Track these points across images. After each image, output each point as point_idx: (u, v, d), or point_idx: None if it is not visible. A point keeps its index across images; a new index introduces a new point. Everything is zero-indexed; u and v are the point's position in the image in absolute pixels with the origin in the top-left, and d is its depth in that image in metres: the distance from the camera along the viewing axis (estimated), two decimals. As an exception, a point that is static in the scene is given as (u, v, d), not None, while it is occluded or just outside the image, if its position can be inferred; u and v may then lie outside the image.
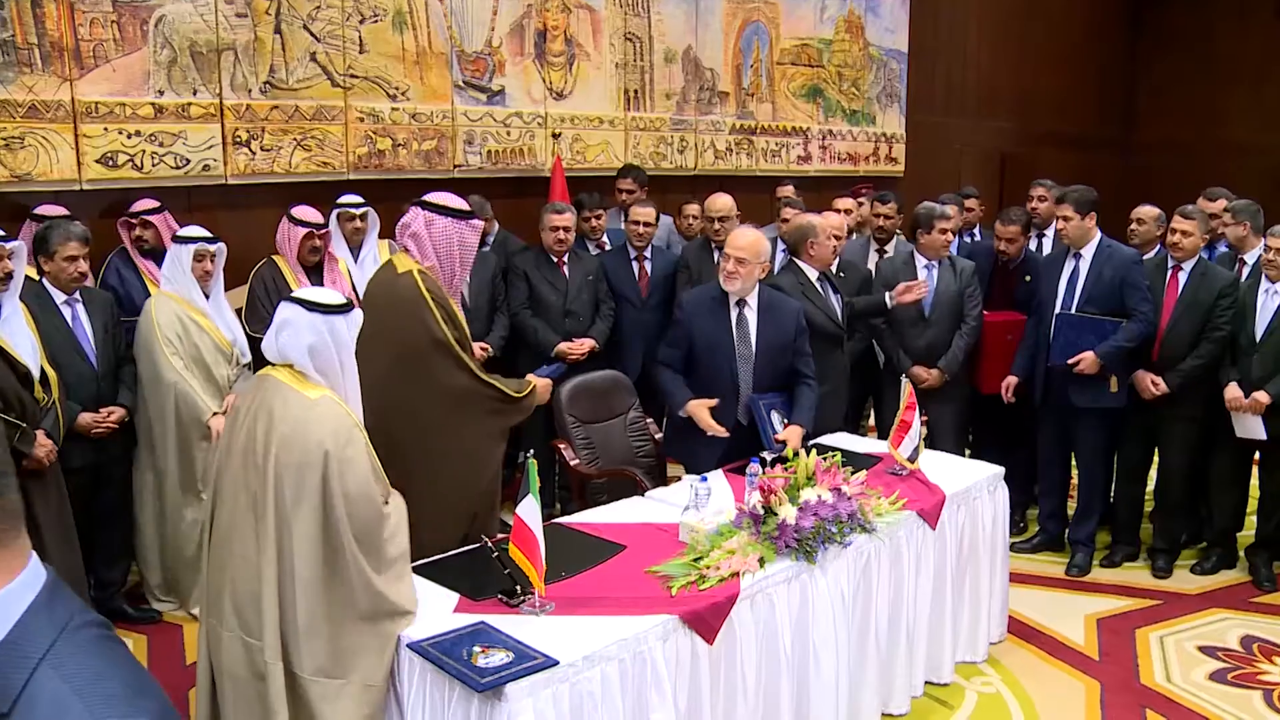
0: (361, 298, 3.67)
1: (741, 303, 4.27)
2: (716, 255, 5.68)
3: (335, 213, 5.18)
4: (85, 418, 4.16)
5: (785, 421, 4.24)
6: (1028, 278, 5.52)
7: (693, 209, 6.48)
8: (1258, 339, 4.81)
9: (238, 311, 4.83)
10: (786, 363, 4.33)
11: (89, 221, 4.53)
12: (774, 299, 4.36)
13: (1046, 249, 6.14)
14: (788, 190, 6.92)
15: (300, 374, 2.85)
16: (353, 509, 2.74)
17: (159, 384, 4.42)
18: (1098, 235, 5.05)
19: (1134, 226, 5.65)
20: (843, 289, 5.08)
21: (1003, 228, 5.68)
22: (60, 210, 4.63)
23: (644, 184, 6.44)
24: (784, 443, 4.05)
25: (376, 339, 3.19)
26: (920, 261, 5.35)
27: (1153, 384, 4.97)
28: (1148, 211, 5.68)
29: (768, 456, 3.74)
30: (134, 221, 4.87)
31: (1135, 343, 4.90)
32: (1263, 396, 4.72)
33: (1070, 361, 4.94)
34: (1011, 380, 5.29)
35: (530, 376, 3.75)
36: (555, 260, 5.56)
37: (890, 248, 6.23)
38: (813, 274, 4.91)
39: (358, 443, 2.81)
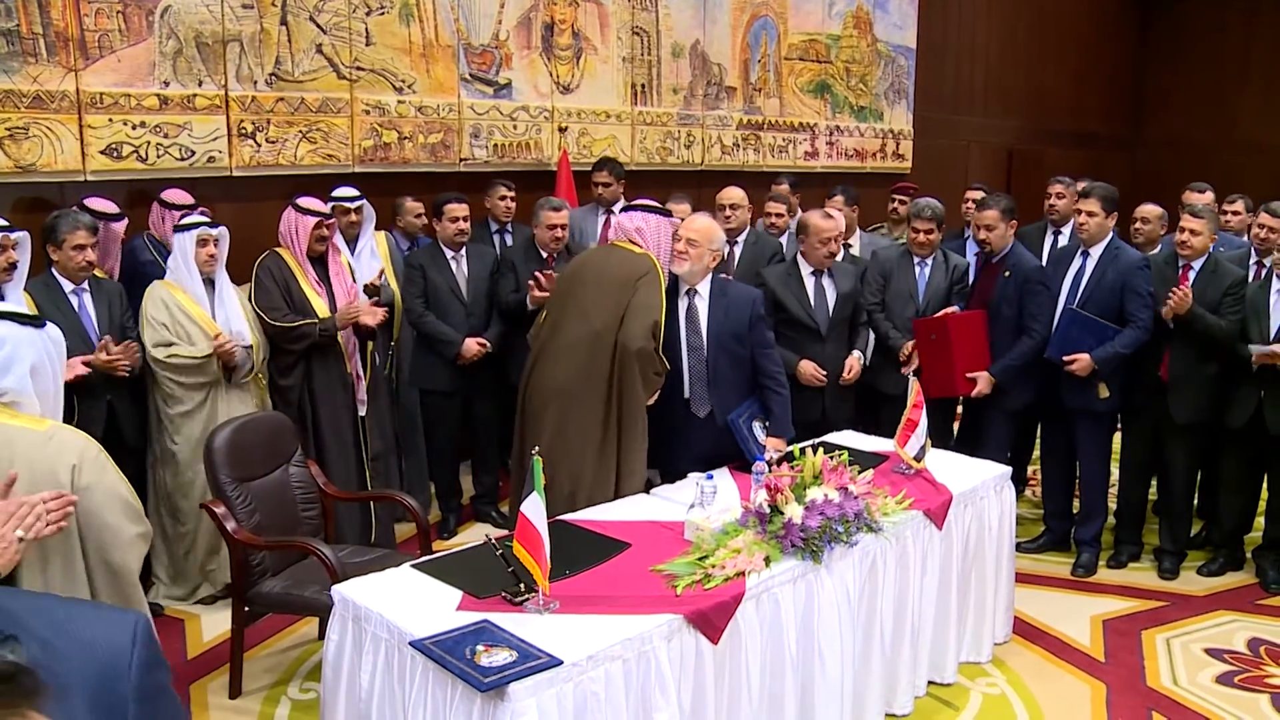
0: (581, 261, 4.33)
1: (692, 292, 4.21)
2: (727, 246, 5.66)
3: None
4: (99, 357, 4.11)
5: (765, 428, 4.17)
6: (1006, 273, 5.10)
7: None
8: (1271, 338, 4.77)
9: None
10: (744, 353, 4.20)
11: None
12: (729, 288, 4.30)
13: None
14: (783, 188, 6.84)
15: (8, 407, 2.47)
16: (116, 541, 2.53)
17: (148, 371, 4.43)
18: (1109, 235, 5.01)
19: (1138, 225, 5.60)
20: (840, 281, 5.09)
21: (979, 213, 5.19)
22: (112, 206, 4.66)
23: (620, 177, 6.30)
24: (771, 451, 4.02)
25: (604, 298, 4.01)
26: (915, 257, 5.35)
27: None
28: (1151, 210, 5.64)
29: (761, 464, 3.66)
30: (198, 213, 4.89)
31: (1131, 350, 4.86)
32: None
33: (1065, 359, 4.90)
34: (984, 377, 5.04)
35: None
36: (545, 256, 5.48)
37: (854, 241, 6.33)
38: (806, 268, 5.00)
39: (110, 470, 2.57)
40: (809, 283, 5.02)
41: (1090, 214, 4.95)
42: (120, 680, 1.21)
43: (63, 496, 2.24)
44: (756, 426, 4.14)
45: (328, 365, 4.83)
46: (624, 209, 4.37)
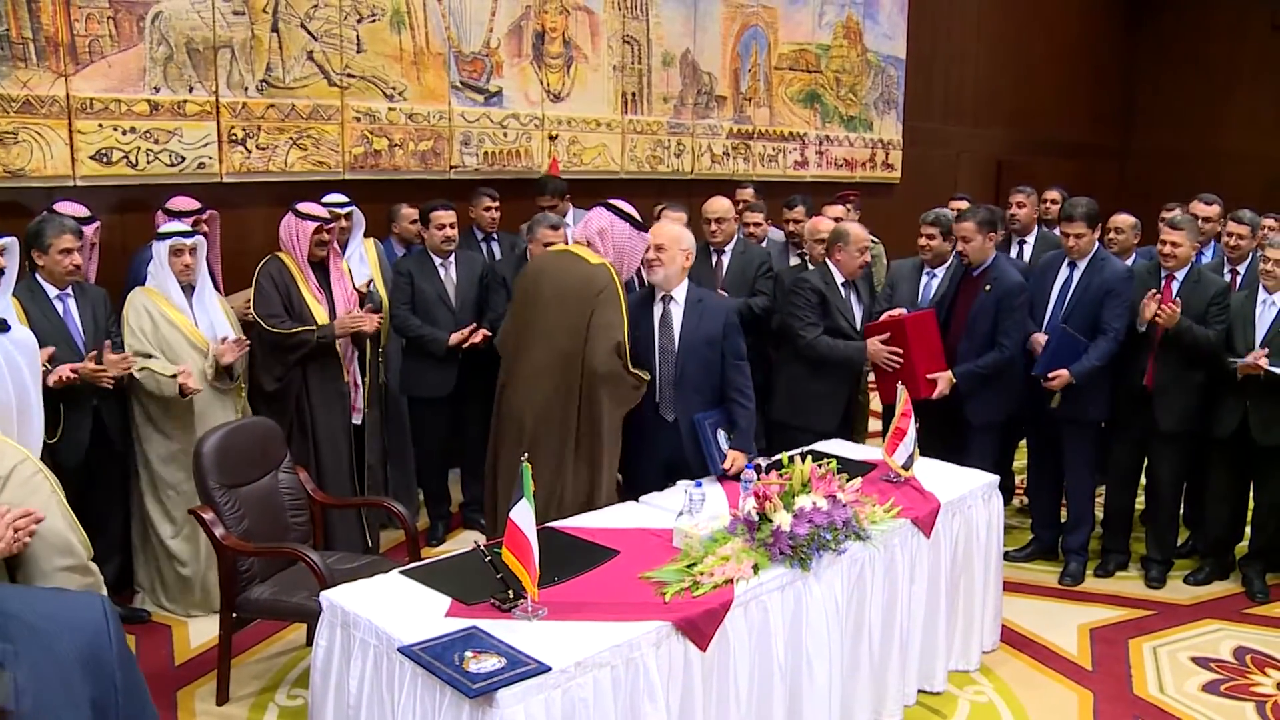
0: (535, 275, 4.14)
1: (667, 298, 4.21)
2: (715, 257, 5.67)
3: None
4: (87, 365, 4.09)
5: (730, 439, 4.15)
6: (988, 288, 4.93)
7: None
8: (1258, 346, 4.80)
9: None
10: (715, 360, 4.19)
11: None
12: (705, 297, 4.32)
13: (1027, 257, 6.11)
14: (747, 193, 6.72)
15: None
16: (36, 571, 2.32)
17: (133, 382, 4.42)
18: (1095, 246, 5.04)
19: (1112, 235, 5.63)
20: (863, 290, 5.15)
21: (957, 225, 5.05)
22: (83, 210, 4.62)
23: (563, 194, 6.14)
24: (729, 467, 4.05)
25: (566, 318, 3.93)
26: (926, 267, 5.36)
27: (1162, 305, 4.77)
28: (1125, 220, 5.71)
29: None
30: (204, 219, 4.87)
31: (1105, 360, 4.86)
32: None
33: (1049, 375, 4.90)
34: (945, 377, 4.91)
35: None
36: None
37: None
38: (839, 276, 5.01)
39: (42, 492, 2.36)
40: (843, 291, 5.04)
41: (1078, 236, 4.95)
42: (105, 651, 1.39)
43: (30, 514, 2.17)
44: (721, 435, 4.14)
45: (325, 374, 4.81)
46: (598, 203, 4.22)
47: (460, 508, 5.80)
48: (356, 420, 4.94)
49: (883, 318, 5.03)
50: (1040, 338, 5.00)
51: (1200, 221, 5.73)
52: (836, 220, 6.03)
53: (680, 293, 4.21)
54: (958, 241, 5.02)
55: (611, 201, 4.19)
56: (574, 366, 3.93)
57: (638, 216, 4.16)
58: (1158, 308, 4.78)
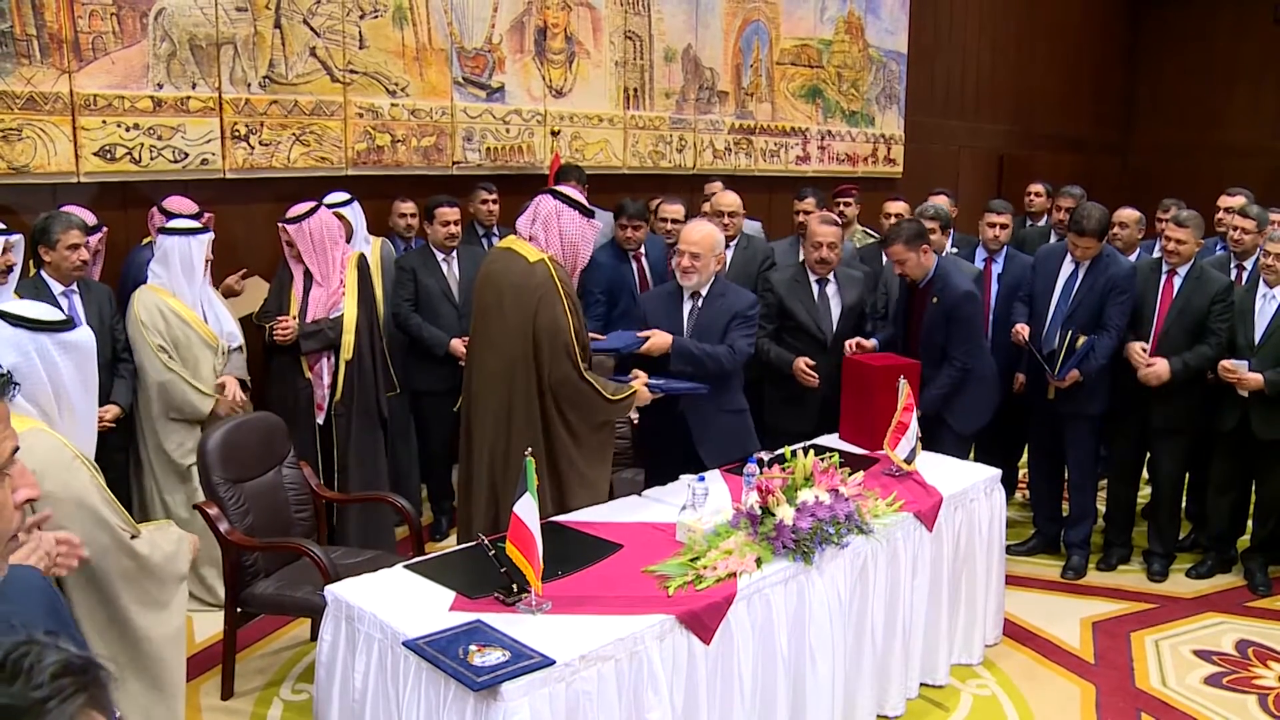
0: (481, 281, 3.84)
1: (695, 295, 4.36)
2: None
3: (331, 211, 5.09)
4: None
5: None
6: (935, 300, 4.77)
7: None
8: (1257, 341, 4.82)
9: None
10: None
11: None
12: (729, 290, 4.42)
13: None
14: (715, 186, 6.56)
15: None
16: (93, 555, 2.42)
17: (145, 380, 4.47)
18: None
19: (1116, 230, 5.64)
20: (846, 292, 5.00)
21: (888, 250, 4.85)
22: (91, 217, 4.64)
23: (583, 183, 6.07)
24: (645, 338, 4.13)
25: (507, 325, 3.62)
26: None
27: (1143, 354, 4.88)
28: (1130, 215, 5.75)
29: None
30: (204, 221, 4.86)
31: (1108, 357, 4.90)
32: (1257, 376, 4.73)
33: (1067, 382, 4.93)
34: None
35: (638, 382, 3.91)
36: None
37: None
38: (812, 274, 4.96)
39: (80, 477, 2.50)
40: (814, 290, 4.98)
41: (1087, 248, 4.95)
42: (63, 608, 1.49)
43: (69, 542, 2.17)
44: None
45: (282, 367, 4.83)
46: (544, 191, 3.88)
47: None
48: (320, 419, 4.81)
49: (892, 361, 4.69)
50: (1023, 328, 5.06)
51: (1222, 212, 5.78)
52: (899, 215, 6.07)
53: (706, 288, 4.36)
54: (895, 265, 4.82)
55: (559, 189, 3.91)
56: (521, 373, 3.64)
57: (587, 204, 3.86)
58: (1145, 367, 4.86)
